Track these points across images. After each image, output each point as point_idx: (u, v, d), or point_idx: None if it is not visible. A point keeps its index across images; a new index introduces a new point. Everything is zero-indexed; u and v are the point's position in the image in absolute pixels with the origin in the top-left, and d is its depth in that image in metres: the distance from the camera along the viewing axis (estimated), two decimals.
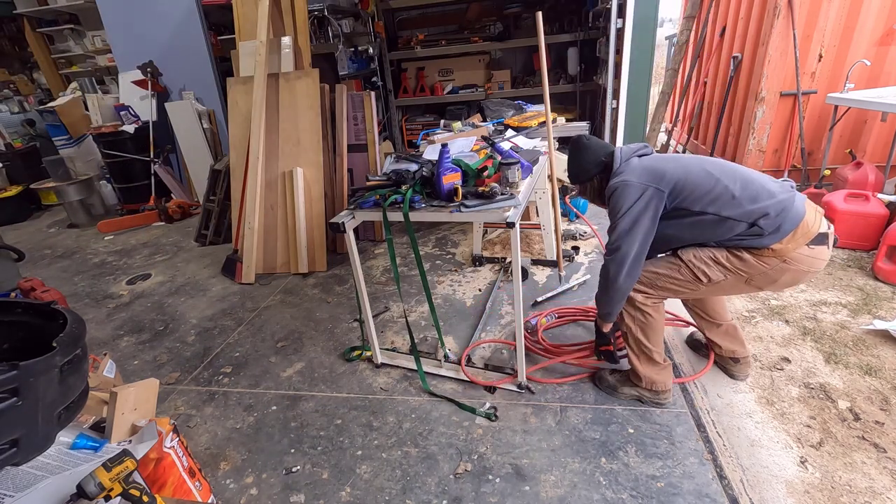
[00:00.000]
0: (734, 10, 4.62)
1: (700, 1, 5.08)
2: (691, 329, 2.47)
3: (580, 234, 3.65)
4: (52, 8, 6.28)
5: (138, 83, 4.96)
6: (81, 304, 3.46)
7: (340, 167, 3.73)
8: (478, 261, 3.40)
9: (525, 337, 2.24)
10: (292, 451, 1.99)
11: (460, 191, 1.94)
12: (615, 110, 4.14)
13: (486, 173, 2.09)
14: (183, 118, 4.96)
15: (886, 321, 2.40)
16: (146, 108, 5.05)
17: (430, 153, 2.38)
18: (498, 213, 1.85)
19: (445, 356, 2.37)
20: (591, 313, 2.64)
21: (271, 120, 3.60)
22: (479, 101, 5.29)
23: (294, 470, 1.89)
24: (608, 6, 3.82)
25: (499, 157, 2.24)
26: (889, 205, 3.10)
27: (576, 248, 3.42)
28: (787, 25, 3.84)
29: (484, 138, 2.60)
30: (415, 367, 2.30)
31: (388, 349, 2.53)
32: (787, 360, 2.27)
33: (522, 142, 2.75)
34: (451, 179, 1.97)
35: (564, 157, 3.12)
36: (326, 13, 4.52)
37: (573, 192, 4.00)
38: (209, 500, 1.69)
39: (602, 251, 3.10)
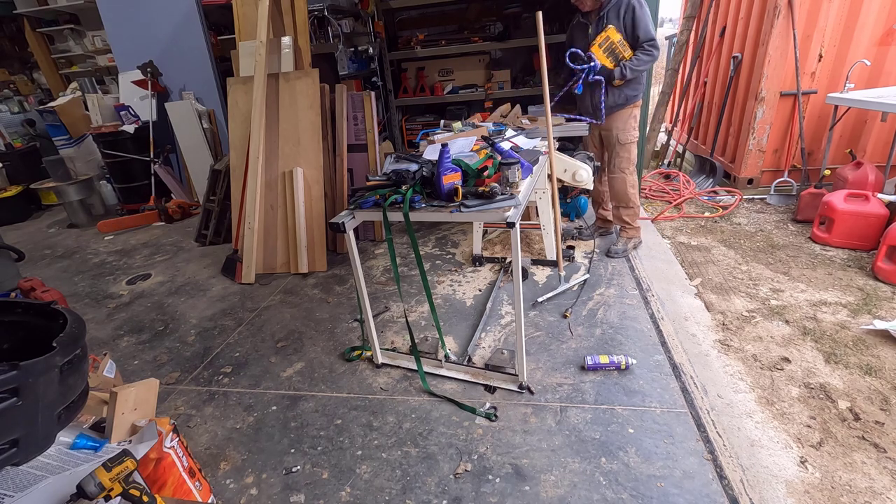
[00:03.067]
0: (734, 10, 4.62)
1: (700, 1, 5.08)
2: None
3: (580, 234, 3.65)
4: (52, 8, 6.28)
5: (138, 83, 4.96)
6: (81, 304, 3.46)
7: (340, 167, 3.73)
8: (478, 261, 3.40)
9: None
10: (292, 451, 1.99)
11: (460, 191, 1.94)
12: None
13: (486, 173, 2.09)
14: (183, 118, 4.96)
15: (886, 321, 2.41)
16: (146, 108, 5.05)
17: (430, 153, 2.38)
18: (498, 213, 1.85)
19: (446, 356, 2.37)
20: None
21: (271, 120, 3.60)
22: (479, 101, 5.30)
23: (294, 470, 1.89)
24: None
25: (499, 157, 2.24)
26: (889, 205, 3.10)
27: (571, 248, 3.42)
28: (787, 25, 3.84)
29: (484, 138, 2.60)
30: (415, 367, 2.30)
31: (388, 349, 2.53)
32: (787, 360, 2.27)
33: (522, 142, 2.75)
34: (451, 179, 1.97)
35: (565, 157, 3.14)
36: (326, 13, 4.52)
37: (574, 192, 4.00)
38: (209, 500, 1.69)
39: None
